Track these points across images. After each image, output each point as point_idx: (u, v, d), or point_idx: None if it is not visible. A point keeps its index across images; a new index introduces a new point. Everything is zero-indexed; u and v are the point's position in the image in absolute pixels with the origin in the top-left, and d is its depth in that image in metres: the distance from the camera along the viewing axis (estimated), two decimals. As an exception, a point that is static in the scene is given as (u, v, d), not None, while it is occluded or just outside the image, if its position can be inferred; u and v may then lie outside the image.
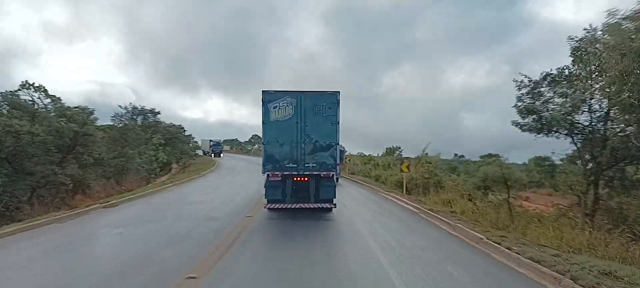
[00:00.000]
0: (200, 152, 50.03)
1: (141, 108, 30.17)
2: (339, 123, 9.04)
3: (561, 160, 11.65)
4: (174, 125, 34.53)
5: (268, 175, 9.11)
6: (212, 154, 48.19)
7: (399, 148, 34.93)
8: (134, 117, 29.40)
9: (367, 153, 37.04)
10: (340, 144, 9.64)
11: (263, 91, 9.02)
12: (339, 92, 9.03)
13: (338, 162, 9.68)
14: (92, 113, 16.38)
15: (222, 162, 36.77)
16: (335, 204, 9.39)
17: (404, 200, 12.78)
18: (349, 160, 19.57)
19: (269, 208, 9.20)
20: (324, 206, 9.30)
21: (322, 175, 9.09)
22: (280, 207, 9.14)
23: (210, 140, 53.35)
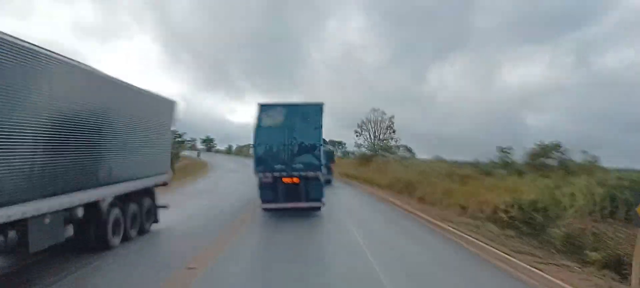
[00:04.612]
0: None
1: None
2: (321, 127, 10.04)
3: None
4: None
5: (260, 177, 9.77)
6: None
7: (558, 146, 18.63)
8: None
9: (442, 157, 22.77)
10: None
11: (259, 103, 10.14)
12: (323, 103, 10.24)
13: (323, 162, 10.21)
14: None
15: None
16: (323, 202, 10.18)
17: None
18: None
19: (264, 209, 10.02)
20: (313, 205, 10.06)
21: (309, 176, 9.82)
22: (274, 206, 9.90)
23: None
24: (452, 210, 10.78)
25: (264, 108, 10.07)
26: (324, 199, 10.18)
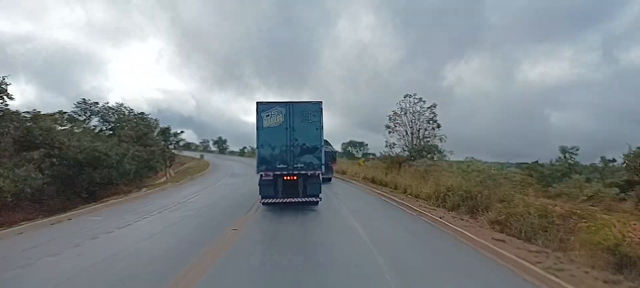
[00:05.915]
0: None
1: None
2: (322, 128, 10.17)
3: None
4: None
5: (261, 175, 10.04)
6: None
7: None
8: None
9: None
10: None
11: (257, 102, 10.12)
12: (321, 101, 10.21)
13: (323, 162, 10.35)
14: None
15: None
16: (320, 198, 10.47)
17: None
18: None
19: (263, 204, 10.31)
20: (311, 200, 10.32)
21: (309, 174, 10.20)
22: (272, 201, 10.15)
23: None
24: (591, 259, 5.39)
25: (263, 107, 10.11)
26: (320, 195, 10.44)
